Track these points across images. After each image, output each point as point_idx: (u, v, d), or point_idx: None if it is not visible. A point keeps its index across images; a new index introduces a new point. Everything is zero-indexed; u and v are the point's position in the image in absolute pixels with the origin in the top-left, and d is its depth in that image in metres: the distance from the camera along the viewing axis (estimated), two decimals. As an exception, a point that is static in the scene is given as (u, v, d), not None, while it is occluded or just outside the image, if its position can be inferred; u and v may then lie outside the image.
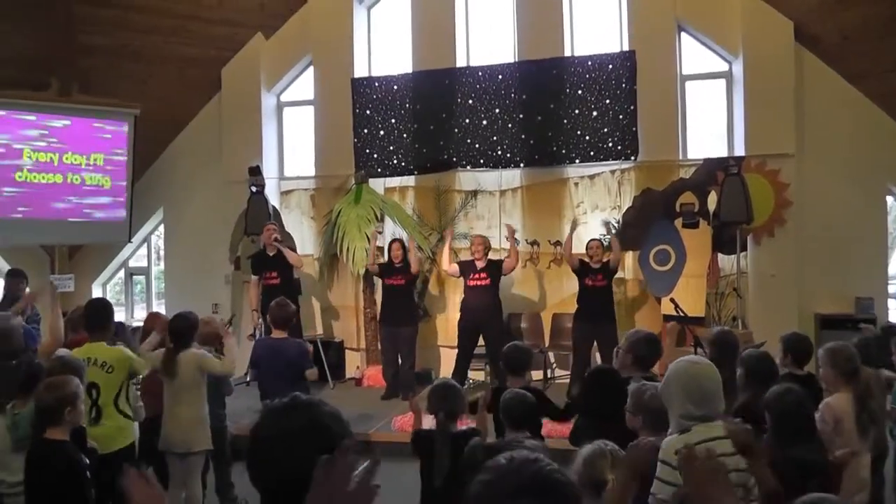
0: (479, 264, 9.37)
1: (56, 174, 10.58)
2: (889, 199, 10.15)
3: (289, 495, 1.81)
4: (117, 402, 5.21)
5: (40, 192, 10.49)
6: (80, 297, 10.82)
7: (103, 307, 5.68)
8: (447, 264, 9.81)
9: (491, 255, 9.60)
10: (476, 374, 9.83)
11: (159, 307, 12.29)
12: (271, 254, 9.62)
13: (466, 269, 9.48)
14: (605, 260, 8.98)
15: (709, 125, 10.63)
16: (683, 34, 10.38)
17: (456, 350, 9.63)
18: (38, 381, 4.36)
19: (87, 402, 4.79)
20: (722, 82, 10.47)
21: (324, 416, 1.92)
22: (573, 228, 9.29)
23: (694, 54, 10.49)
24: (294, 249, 10.58)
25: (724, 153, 10.16)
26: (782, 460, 3.50)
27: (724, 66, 10.40)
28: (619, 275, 9.39)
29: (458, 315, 9.70)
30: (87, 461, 4.10)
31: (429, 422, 4.51)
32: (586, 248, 9.06)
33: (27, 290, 8.77)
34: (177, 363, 5.56)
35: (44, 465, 3.97)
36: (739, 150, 9.96)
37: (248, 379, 9.59)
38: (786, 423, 3.74)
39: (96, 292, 12.37)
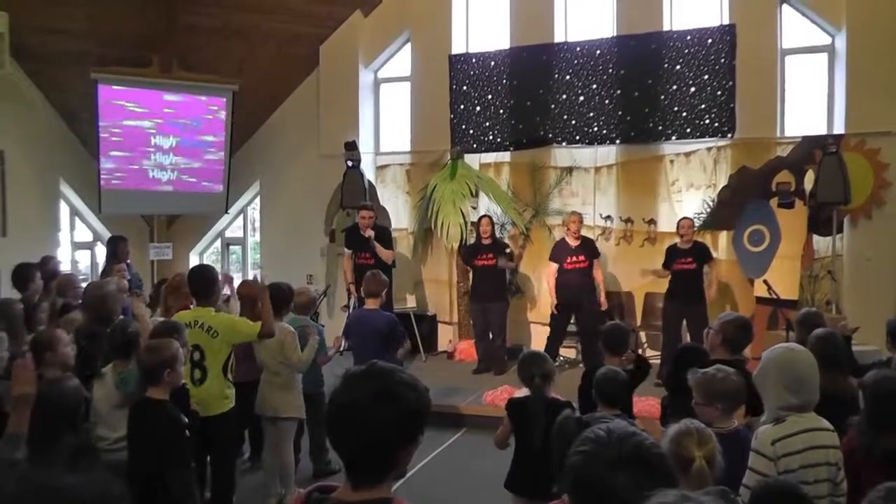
0: (573, 244, 9.79)
1: (156, 147, 11.51)
2: None
3: (366, 461, 1.98)
4: (225, 370, 5.52)
5: (141, 164, 11.43)
6: (177, 265, 11.73)
7: (206, 274, 5.90)
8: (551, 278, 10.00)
9: (583, 233, 10.02)
10: (566, 352, 10.35)
11: (256, 277, 12.93)
12: (366, 236, 9.93)
13: (561, 252, 9.85)
14: (695, 240, 9.33)
15: (808, 101, 10.72)
16: (785, 6, 10.51)
17: (547, 327, 10.13)
18: (134, 346, 4.83)
19: (189, 365, 5.10)
20: (823, 56, 10.57)
21: (399, 385, 1.98)
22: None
23: (795, 27, 10.61)
24: (388, 224, 11.22)
25: (822, 131, 10.28)
26: (872, 448, 3.53)
27: (826, 40, 10.48)
28: (713, 253, 9.62)
29: (549, 293, 10.18)
30: (187, 420, 4.53)
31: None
32: (677, 227, 9.45)
33: (129, 254, 9.61)
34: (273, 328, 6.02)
35: (144, 422, 4.43)
36: (839, 128, 10.05)
37: (341, 349, 10.18)
38: (882, 411, 3.63)
39: (193, 261, 13.22)
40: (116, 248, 9.69)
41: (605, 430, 1.90)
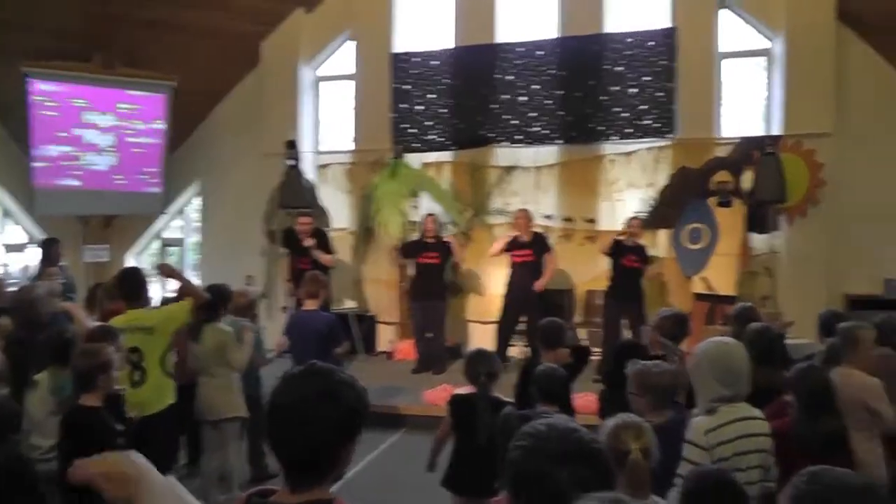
0: (523, 239, 9.77)
1: (92, 145, 11.22)
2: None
3: (306, 462, 1.96)
4: (164, 363, 5.42)
5: (76, 162, 11.14)
6: (114, 267, 11.36)
7: (136, 275, 5.84)
8: (496, 248, 10.02)
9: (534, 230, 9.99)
10: (514, 351, 10.19)
11: (193, 278, 12.72)
12: (305, 245, 9.78)
13: (512, 245, 9.83)
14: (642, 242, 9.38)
15: (746, 103, 10.96)
16: (724, 11, 10.67)
17: (487, 324, 10.18)
18: (70, 350, 4.66)
19: (127, 369, 5.05)
20: (761, 60, 10.83)
21: (339, 385, 1.98)
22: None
23: (734, 31, 10.80)
24: (328, 222, 11.20)
25: (760, 132, 10.52)
26: (810, 435, 3.78)
27: (764, 44, 10.72)
28: (651, 252, 9.71)
29: (490, 290, 10.30)
30: (121, 428, 4.36)
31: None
32: (627, 226, 9.46)
33: (63, 257, 9.33)
34: (202, 331, 5.94)
35: (76, 431, 4.22)
36: (776, 129, 10.28)
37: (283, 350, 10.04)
38: (809, 401, 3.91)
39: (131, 263, 12.77)
40: (49, 251, 9.44)
41: (545, 425, 1.93)
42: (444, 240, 10.37)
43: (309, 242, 9.71)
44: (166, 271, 6.17)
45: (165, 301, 6.86)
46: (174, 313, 5.58)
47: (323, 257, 9.71)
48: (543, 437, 1.88)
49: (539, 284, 9.62)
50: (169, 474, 1.92)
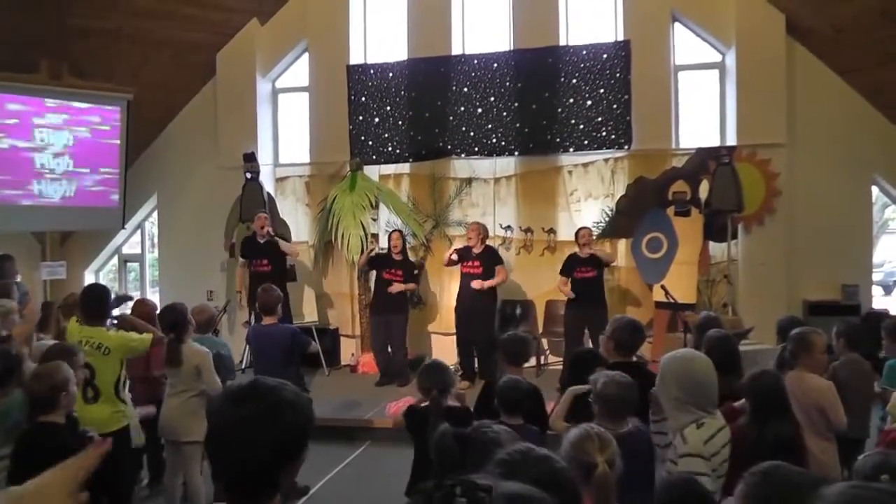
0: (475, 251, 9.67)
1: (46, 159, 10.71)
2: (874, 189, 10.62)
3: (243, 483, 1.86)
4: (118, 389, 5.32)
5: (30, 177, 10.62)
6: (72, 285, 10.97)
7: (100, 294, 5.70)
8: (447, 259, 9.98)
9: (488, 243, 9.88)
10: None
11: (153, 295, 12.44)
12: (261, 241, 9.72)
13: (463, 255, 9.75)
14: (594, 251, 9.32)
15: (701, 115, 10.95)
16: (677, 24, 10.70)
17: (447, 336, 10.16)
18: (14, 373, 4.46)
19: (80, 385, 4.84)
20: (715, 73, 10.82)
21: (280, 404, 1.88)
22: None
23: (687, 45, 10.81)
24: (288, 238, 10.90)
25: (716, 143, 10.53)
26: (760, 439, 3.78)
27: (717, 57, 10.75)
28: (604, 257, 9.59)
29: (451, 303, 10.10)
30: (79, 444, 4.04)
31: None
32: (576, 237, 9.42)
33: (18, 274, 9.09)
34: (181, 354, 5.67)
35: (37, 446, 3.99)
36: (731, 140, 10.31)
37: (243, 365, 9.96)
38: (763, 404, 3.95)
39: (89, 279, 12.50)
40: (3, 268, 9.24)
41: (521, 452, 1.95)
42: (410, 260, 10.29)
43: (269, 232, 9.73)
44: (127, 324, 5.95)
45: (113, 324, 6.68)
46: (133, 343, 5.46)
47: (285, 245, 9.82)
48: (518, 467, 1.86)
49: (477, 283, 9.50)
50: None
